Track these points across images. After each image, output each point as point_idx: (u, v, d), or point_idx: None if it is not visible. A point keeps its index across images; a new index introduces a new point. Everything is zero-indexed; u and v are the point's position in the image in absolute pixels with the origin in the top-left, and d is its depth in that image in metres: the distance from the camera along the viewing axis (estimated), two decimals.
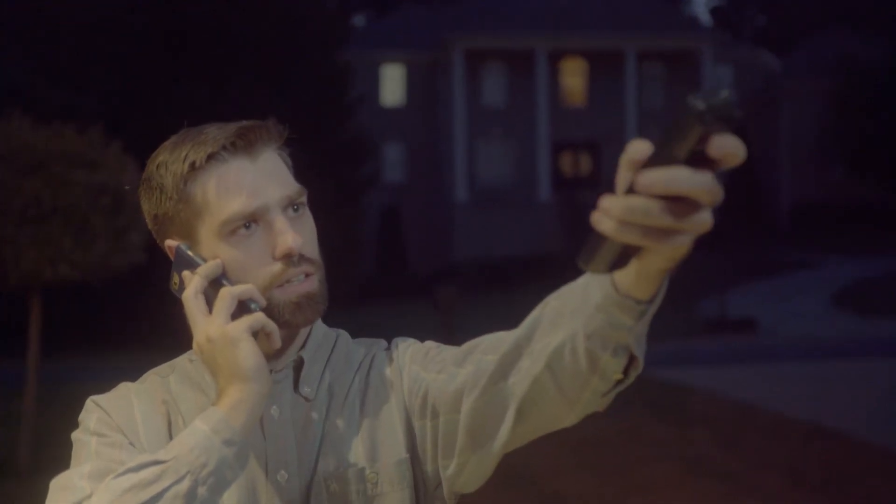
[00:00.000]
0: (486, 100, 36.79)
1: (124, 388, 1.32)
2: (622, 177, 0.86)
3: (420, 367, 1.30)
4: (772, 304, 24.88)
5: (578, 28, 36.29)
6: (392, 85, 37.48)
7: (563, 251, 32.13)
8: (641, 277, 0.95)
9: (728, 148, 0.81)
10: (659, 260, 0.90)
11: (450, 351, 1.29)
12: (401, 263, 33.60)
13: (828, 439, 9.20)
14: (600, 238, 0.87)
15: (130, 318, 21.29)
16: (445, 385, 1.24)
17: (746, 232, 29.57)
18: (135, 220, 8.15)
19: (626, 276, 0.97)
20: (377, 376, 1.33)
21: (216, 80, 23.22)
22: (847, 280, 27.62)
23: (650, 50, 36.54)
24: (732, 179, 33.39)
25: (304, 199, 1.28)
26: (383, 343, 1.38)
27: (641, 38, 36.20)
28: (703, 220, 0.85)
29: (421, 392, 1.27)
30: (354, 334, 1.40)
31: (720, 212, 33.19)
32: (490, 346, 1.21)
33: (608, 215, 0.85)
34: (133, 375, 1.39)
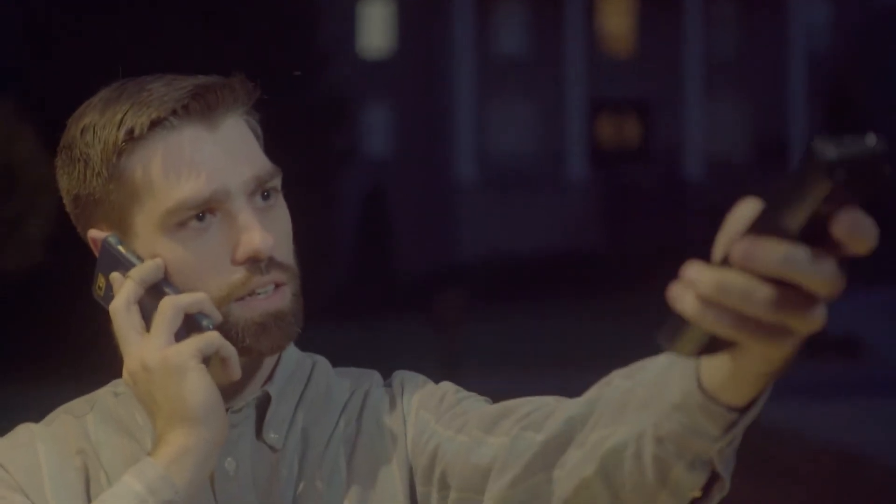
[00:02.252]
0: (501, 45, 36.76)
1: (25, 432, 1.32)
2: (722, 240, 0.85)
3: (432, 415, 1.30)
4: (886, 318, 24.85)
5: None
6: (374, 26, 37.46)
7: (604, 248, 32.13)
8: (737, 377, 0.94)
9: (858, 231, 0.79)
10: (754, 359, 0.89)
11: (474, 404, 1.29)
12: (387, 265, 33.59)
13: None
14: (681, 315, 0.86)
15: (30, 336, 21.23)
16: (465, 452, 1.24)
17: None
18: (33, 205, 8.14)
19: (716, 371, 0.96)
20: (372, 420, 1.33)
21: (135, 16, 23.15)
22: None
23: None
24: None
25: (277, 182, 1.28)
26: (377, 377, 1.38)
27: None
28: (815, 319, 0.84)
29: (430, 448, 1.28)
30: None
31: None
32: (533, 418, 1.20)
33: (692, 290, 0.84)
34: (36, 416, 1.38)
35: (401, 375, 1.37)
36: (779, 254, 0.80)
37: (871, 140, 0.76)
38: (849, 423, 13.47)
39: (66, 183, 1.29)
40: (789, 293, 0.82)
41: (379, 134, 37.26)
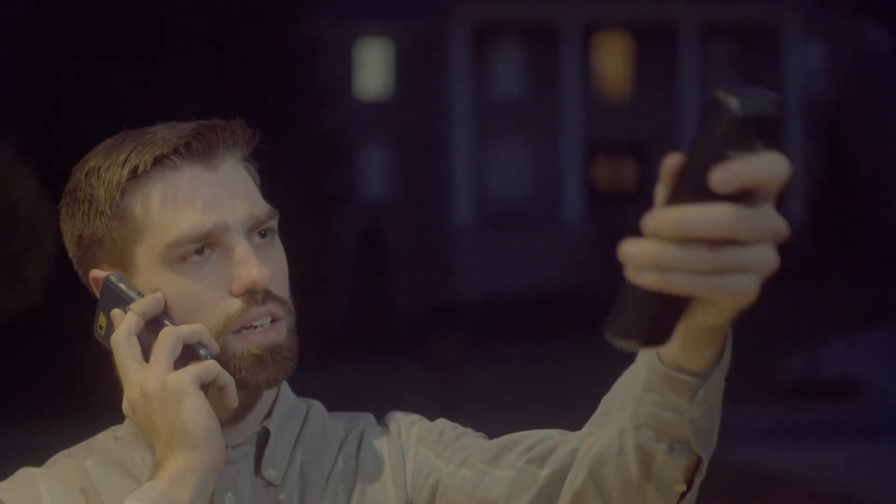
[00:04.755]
0: (498, 88, 36.90)
1: (26, 474, 1.33)
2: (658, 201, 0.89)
3: (431, 451, 1.32)
4: (881, 360, 24.84)
5: None
6: (373, 68, 37.60)
7: (601, 288, 32.09)
8: (689, 339, 0.97)
9: (764, 172, 0.83)
10: (713, 313, 0.90)
11: (475, 439, 1.32)
12: (384, 306, 33.59)
13: None
14: (628, 297, 0.88)
15: (27, 381, 21.16)
16: (469, 486, 1.27)
17: (845, 262, 29.54)
18: (31, 245, 8.14)
19: (673, 341, 0.98)
20: (370, 457, 1.35)
21: (140, 59, 23.27)
22: None
23: (715, 23, 36.70)
24: (826, 192, 33.51)
25: (274, 223, 1.31)
26: (371, 418, 1.40)
27: (704, 7, 36.37)
28: (760, 258, 0.86)
29: (430, 483, 1.30)
30: (321, 402, 1.43)
31: (809, 234, 33.33)
32: (537, 452, 1.23)
33: (636, 264, 0.86)
34: (35, 462, 1.39)
35: (396, 415, 1.39)
36: (675, 216, 0.84)
37: (765, 92, 0.83)
38: (846, 466, 13.45)
39: (70, 225, 1.31)
40: (721, 244, 0.85)
41: (376, 175, 37.33)
